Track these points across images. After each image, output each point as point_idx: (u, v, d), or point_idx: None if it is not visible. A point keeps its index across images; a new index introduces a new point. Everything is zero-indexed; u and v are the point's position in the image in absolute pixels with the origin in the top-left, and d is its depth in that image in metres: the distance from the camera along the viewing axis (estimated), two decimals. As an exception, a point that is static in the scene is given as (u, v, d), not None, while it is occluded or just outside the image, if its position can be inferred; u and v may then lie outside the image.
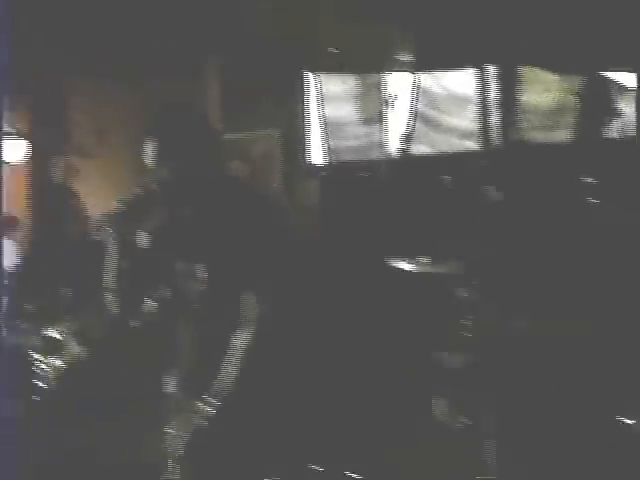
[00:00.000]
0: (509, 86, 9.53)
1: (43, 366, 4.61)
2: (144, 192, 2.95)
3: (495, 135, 9.51)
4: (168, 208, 3.02)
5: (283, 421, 2.97)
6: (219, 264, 2.87)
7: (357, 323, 6.26)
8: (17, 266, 5.49)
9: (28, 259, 5.38)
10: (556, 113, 9.67)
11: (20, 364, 4.65)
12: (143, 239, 3.03)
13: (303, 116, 9.90)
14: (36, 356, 4.62)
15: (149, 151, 2.92)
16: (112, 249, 2.96)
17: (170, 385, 3.08)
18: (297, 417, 3.09)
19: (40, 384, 4.58)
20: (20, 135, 8.56)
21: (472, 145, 9.70)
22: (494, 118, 9.55)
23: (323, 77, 9.87)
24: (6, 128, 8.46)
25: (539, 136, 9.65)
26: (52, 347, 4.61)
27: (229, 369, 2.79)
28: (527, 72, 9.56)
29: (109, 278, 2.99)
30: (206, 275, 2.89)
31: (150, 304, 3.06)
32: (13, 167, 8.58)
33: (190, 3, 7.88)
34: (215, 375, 2.82)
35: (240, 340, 2.79)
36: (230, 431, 2.82)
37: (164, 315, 3.07)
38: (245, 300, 2.81)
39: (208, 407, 2.79)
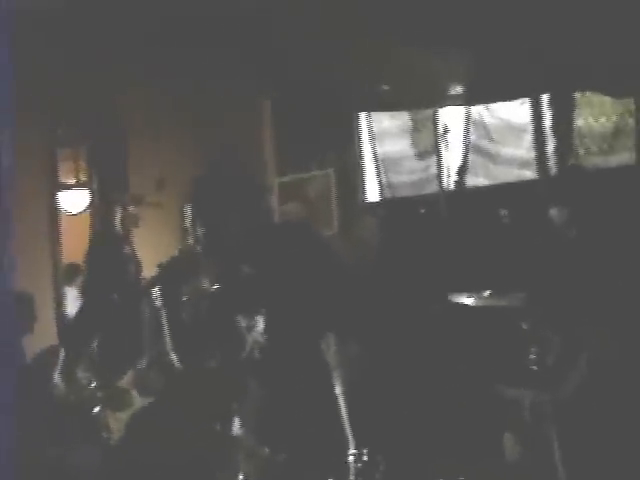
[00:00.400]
0: (564, 112, 9.46)
1: (106, 417, 4.64)
2: (183, 255, 3.02)
3: (553, 163, 9.43)
4: (224, 265, 3.06)
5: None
6: (285, 314, 2.88)
7: (421, 359, 6.20)
8: (77, 315, 5.57)
9: (86, 309, 5.46)
10: (613, 136, 9.56)
11: (81, 415, 4.69)
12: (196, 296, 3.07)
13: (358, 154, 9.96)
14: (99, 407, 4.65)
15: (191, 215, 2.97)
16: (159, 309, 3.02)
17: (239, 432, 3.08)
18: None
19: (104, 436, 4.61)
20: (81, 185, 8.69)
21: (530, 174, 9.63)
22: (551, 145, 9.48)
23: (376, 114, 9.92)
24: (67, 179, 8.63)
25: (597, 160, 9.54)
26: (114, 398, 4.64)
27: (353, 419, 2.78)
28: (580, 97, 9.49)
29: (162, 334, 3.03)
30: (271, 326, 2.90)
31: (212, 356, 3.08)
32: (75, 217, 8.71)
33: (244, 46, 7.97)
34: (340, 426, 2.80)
35: (338, 390, 2.78)
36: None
37: (228, 364, 3.08)
38: (325, 347, 2.80)
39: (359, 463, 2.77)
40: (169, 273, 3.01)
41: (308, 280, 2.87)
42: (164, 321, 3.01)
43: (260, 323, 2.90)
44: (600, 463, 4.07)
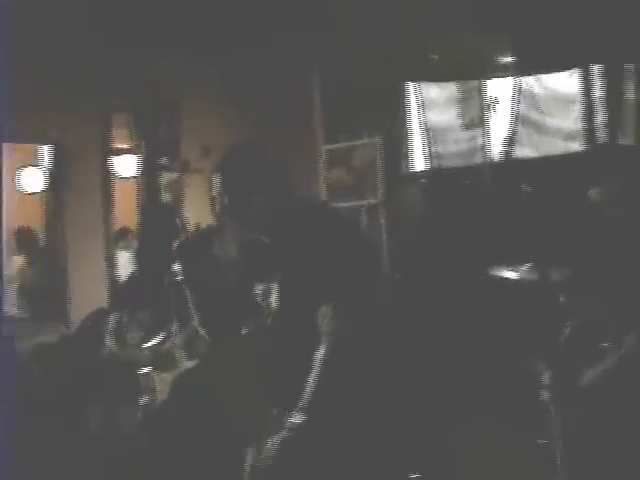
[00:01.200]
0: (614, 84, 9.36)
1: (152, 378, 4.81)
2: (199, 229, 3.16)
3: (601, 135, 9.35)
4: (241, 235, 3.17)
5: (372, 429, 3.04)
6: (294, 281, 2.98)
7: (459, 332, 6.28)
8: (128, 279, 5.74)
9: (136, 274, 5.63)
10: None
11: (128, 377, 4.87)
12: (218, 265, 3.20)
13: (405, 124, 9.97)
14: (145, 369, 4.82)
15: (218, 186, 3.09)
16: (186, 278, 3.16)
17: (259, 398, 3.21)
18: (390, 420, 3.15)
19: (148, 397, 4.77)
20: (132, 151, 8.86)
21: (577, 147, 9.57)
22: (599, 118, 9.40)
23: (424, 84, 9.91)
24: (119, 144, 8.80)
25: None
26: (160, 359, 4.80)
27: (312, 382, 2.88)
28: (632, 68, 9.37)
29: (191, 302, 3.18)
30: (282, 293, 3.02)
31: (238, 322, 3.20)
32: (127, 181, 8.91)
33: (291, 16, 8.03)
34: (298, 388, 2.92)
35: (319, 354, 2.88)
36: (315, 442, 2.92)
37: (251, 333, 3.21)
38: (321, 314, 2.90)
39: (294, 420, 2.89)
40: (191, 245, 3.15)
41: (326, 256, 2.97)
42: (188, 294, 3.15)
43: (275, 292, 3.04)
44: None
